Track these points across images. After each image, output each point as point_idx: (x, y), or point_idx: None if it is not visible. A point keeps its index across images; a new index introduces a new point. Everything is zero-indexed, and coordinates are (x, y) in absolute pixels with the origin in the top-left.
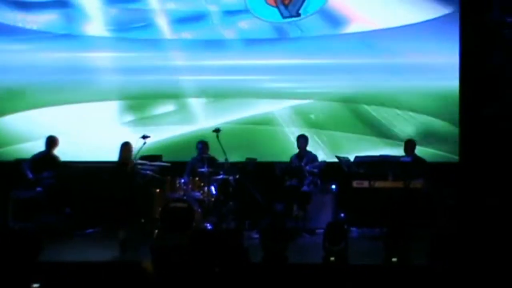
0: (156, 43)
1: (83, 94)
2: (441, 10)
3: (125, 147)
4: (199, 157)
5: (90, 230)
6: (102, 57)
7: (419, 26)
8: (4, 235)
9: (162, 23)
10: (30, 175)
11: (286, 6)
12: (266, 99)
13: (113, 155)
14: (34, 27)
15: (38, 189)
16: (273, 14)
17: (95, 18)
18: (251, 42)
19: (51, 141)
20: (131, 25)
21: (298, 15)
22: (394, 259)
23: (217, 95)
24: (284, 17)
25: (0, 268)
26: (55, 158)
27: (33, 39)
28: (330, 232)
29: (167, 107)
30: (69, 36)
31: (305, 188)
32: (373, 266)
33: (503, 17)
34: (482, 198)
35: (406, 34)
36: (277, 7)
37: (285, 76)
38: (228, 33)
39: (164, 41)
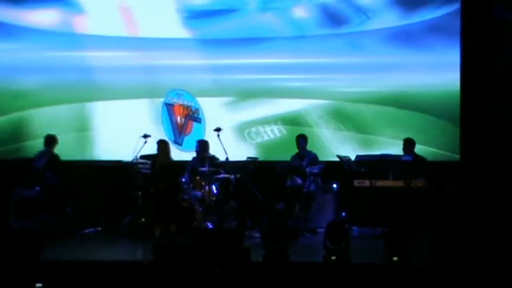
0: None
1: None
2: (442, 9)
3: (160, 145)
4: (199, 157)
5: (91, 229)
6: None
7: (420, 24)
8: (5, 234)
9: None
10: (41, 163)
11: None
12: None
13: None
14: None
15: (38, 188)
16: None
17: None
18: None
19: (51, 140)
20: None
21: None
22: (395, 258)
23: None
24: None
25: (3, 267)
26: (55, 157)
27: (37, 38)
28: (331, 231)
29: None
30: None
31: (308, 188)
32: (374, 265)
33: (505, 15)
34: (483, 196)
35: (407, 33)
36: None
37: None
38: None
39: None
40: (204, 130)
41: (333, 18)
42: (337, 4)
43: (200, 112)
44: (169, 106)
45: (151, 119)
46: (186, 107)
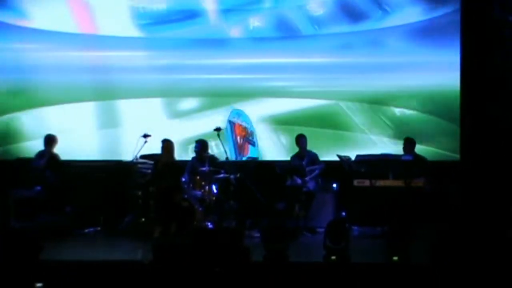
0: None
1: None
2: (441, 9)
3: (165, 144)
4: (198, 156)
5: (91, 229)
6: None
7: (419, 24)
8: (5, 234)
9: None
10: (41, 163)
11: None
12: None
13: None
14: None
15: (38, 188)
16: None
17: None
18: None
19: (50, 140)
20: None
21: None
22: (395, 258)
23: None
24: None
25: (3, 267)
26: (55, 157)
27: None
28: (331, 231)
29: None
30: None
31: (308, 187)
32: (374, 264)
33: (505, 16)
34: (483, 196)
35: (406, 33)
36: None
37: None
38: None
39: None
40: (259, 154)
41: (320, 21)
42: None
43: (254, 135)
44: (232, 124)
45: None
46: (244, 128)
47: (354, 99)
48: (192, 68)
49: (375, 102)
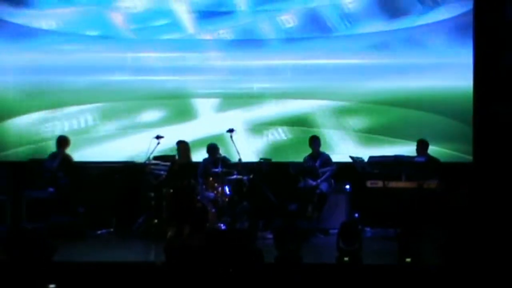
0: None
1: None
2: (455, 10)
3: (180, 145)
4: (210, 159)
5: (103, 231)
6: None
7: (432, 26)
8: (18, 235)
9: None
10: (54, 164)
11: None
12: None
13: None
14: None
15: (51, 189)
16: None
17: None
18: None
19: (62, 141)
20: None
21: None
22: (408, 260)
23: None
24: None
25: (16, 268)
26: (67, 158)
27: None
28: (344, 232)
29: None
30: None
31: (321, 189)
32: (387, 266)
33: None
34: (497, 198)
35: (419, 34)
36: None
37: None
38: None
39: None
40: None
41: (317, 24)
42: (324, 12)
43: None
44: None
45: None
46: None
47: (367, 101)
48: (210, 69)
49: (388, 104)
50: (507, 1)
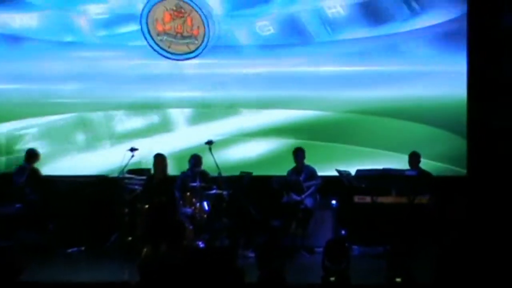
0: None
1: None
2: (447, 15)
3: (158, 159)
4: (190, 172)
5: (75, 249)
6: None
7: (418, 32)
8: None
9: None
10: (21, 179)
11: None
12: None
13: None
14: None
15: (18, 205)
16: None
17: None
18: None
19: (31, 155)
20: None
21: None
22: (398, 279)
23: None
24: None
25: None
26: (35, 172)
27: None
28: (330, 250)
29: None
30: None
31: (305, 204)
32: (376, 286)
33: None
34: (491, 213)
35: (404, 41)
36: None
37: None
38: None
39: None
40: None
41: (297, 30)
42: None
43: None
44: None
45: None
46: None
47: (354, 111)
48: (185, 77)
49: (377, 114)
50: (504, 7)
